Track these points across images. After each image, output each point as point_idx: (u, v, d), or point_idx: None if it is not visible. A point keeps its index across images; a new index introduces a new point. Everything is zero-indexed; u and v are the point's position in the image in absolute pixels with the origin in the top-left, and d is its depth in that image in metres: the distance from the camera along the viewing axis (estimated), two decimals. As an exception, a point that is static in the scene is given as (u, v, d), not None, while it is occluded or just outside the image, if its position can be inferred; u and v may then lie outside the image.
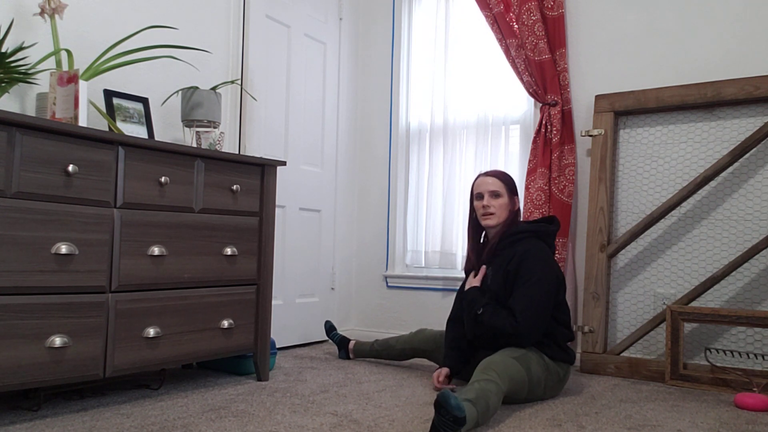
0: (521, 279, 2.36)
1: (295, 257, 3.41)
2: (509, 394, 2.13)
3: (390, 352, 2.94)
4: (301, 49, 3.47)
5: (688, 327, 2.84)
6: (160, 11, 2.74)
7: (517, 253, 2.40)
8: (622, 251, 3.02)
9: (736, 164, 2.81)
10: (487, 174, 2.55)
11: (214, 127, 2.59)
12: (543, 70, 3.16)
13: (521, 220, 2.60)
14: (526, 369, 2.19)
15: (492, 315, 2.34)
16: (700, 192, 2.87)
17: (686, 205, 2.90)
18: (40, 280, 1.84)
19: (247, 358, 2.64)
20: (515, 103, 3.43)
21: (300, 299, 3.45)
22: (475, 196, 2.56)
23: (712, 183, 2.86)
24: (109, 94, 2.40)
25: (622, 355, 2.87)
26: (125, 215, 2.07)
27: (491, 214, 2.49)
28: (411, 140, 3.79)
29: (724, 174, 2.84)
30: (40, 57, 2.29)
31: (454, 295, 3.50)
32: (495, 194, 2.50)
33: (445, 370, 2.50)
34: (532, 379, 2.21)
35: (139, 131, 2.46)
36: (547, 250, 2.43)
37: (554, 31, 3.17)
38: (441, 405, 1.72)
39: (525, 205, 3.15)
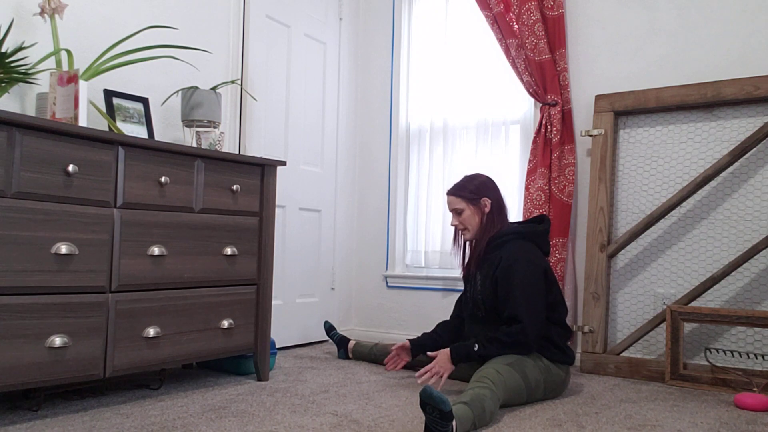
0: (510, 285, 2.33)
1: (295, 257, 3.41)
2: (507, 401, 2.13)
3: None
4: (301, 49, 3.47)
5: (688, 327, 2.84)
6: (160, 11, 2.74)
7: (502, 258, 2.39)
8: (622, 251, 3.02)
9: (736, 164, 2.81)
10: (447, 192, 2.56)
11: (214, 127, 2.59)
12: (543, 70, 3.16)
13: (508, 219, 2.55)
14: (522, 374, 2.18)
15: (491, 342, 2.29)
16: (700, 192, 2.87)
17: (686, 205, 2.90)
18: (40, 280, 1.84)
19: (247, 358, 2.64)
20: (515, 103, 3.43)
21: (300, 299, 3.45)
22: None
23: (712, 183, 2.86)
24: (109, 94, 2.40)
25: (622, 355, 2.87)
26: (125, 215, 2.07)
27: (462, 230, 2.54)
28: (411, 140, 3.79)
29: (724, 174, 2.84)
30: (40, 57, 2.29)
31: (453, 296, 3.51)
32: (456, 212, 2.52)
33: (405, 343, 2.66)
34: (529, 384, 2.20)
35: (139, 131, 2.46)
36: (531, 250, 2.40)
37: (554, 31, 3.17)
38: (425, 402, 1.71)
39: (525, 205, 3.15)
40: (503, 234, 2.45)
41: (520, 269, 2.33)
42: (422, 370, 2.35)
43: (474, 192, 2.50)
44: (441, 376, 2.33)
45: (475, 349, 2.30)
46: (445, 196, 2.57)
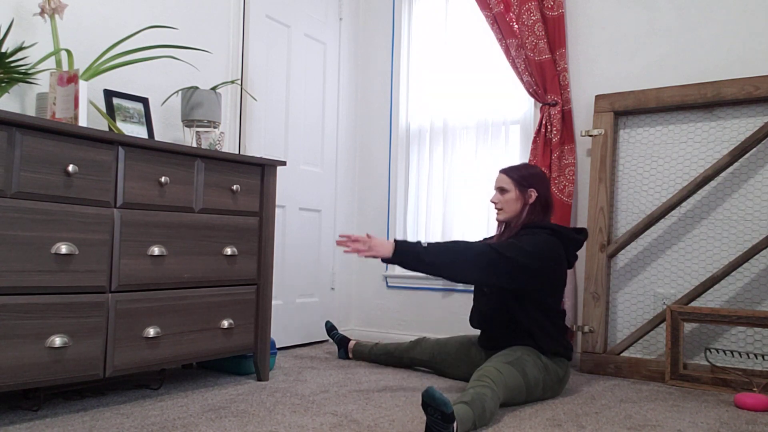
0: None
1: (295, 257, 3.41)
2: (507, 400, 2.13)
3: (388, 359, 2.94)
4: (301, 49, 3.47)
5: (688, 327, 2.84)
6: (160, 11, 2.74)
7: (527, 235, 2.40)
8: (622, 251, 3.02)
9: (736, 164, 2.81)
10: (500, 170, 2.57)
11: (214, 127, 2.59)
12: (543, 70, 3.16)
13: (549, 219, 2.53)
14: (522, 373, 2.18)
15: (451, 246, 2.19)
16: (700, 192, 2.87)
17: (686, 205, 2.90)
18: (40, 280, 1.84)
19: (247, 358, 2.64)
20: (515, 103, 3.43)
21: (300, 299, 3.45)
22: None
23: (712, 183, 2.86)
24: (109, 94, 2.40)
25: (622, 355, 2.87)
26: (125, 215, 2.07)
27: (499, 209, 2.54)
28: (411, 140, 3.79)
29: (724, 174, 2.84)
30: (40, 57, 2.29)
31: (454, 296, 3.51)
32: (501, 190, 2.52)
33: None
34: (528, 382, 2.20)
35: (139, 131, 2.46)
36: (558, 245, 2.38)
37: (554, 31, 3.17)
38: (427, 404, 1.71)
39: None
40: (538, 225, 2.44)
41: (532, 241, 2.31)
42: (348, 236, 2.19)
43: (525, 178, 2.49)
44: (360, 252, 2.16)
45: (424, 245, 2.18)
46: (498, 174, 2.55)
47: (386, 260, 2.19)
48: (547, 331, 2.36)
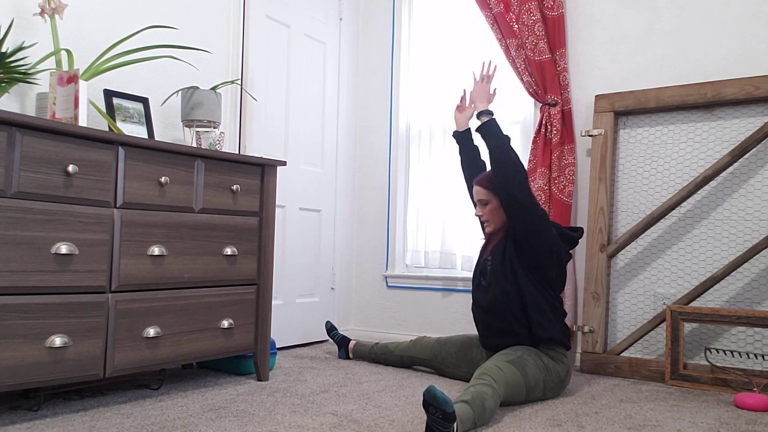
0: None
1: (295, 257, 3.41)
2: (507, 398, 2.13)
3: (388, 358, 2.94)
4: (301, 49, 3.47)
5: (688, 327, 2.84)
6: (160, 11, 2.74)
7: None
8: (622, 251, 3.02)
9: (736, 164, 2.81)
10: (474, 182, 2.55)
11: (214, 127, 2.59)
12: (543, 70, 3.16)
13: None
14: (522, 372, 2.19)
15: (513, 153, 2.42)
16: (700, 192, 2.87)
17: (686, 205, 2.90)
18: (40, 280, 1.84)
19: (247, 358, 2.64)
20: (515, 103, 3.43)
21: (300, 299, 3.45)
22: None
23: (712, 183, 2.86)
24: (109, 94, 2.41)
25: (622, 355, 2.87)
26: (125, 215, 2.07)
27: (485, 221, 2.53)
28: (411, 140, 3.79)
29: (724, 174, 2.84)
30: (40, 57, 2.29)
31: (454, 296, 3.51)
32: (482, 203, 2.51)
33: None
34: (529, 382, 2.20)
35: (139, 131, 2.46)
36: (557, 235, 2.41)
37: (554, 31, 3.17)
38: (429, 403, 1.71)
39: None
40: None
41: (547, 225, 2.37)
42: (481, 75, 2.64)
43: None
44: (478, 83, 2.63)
45: (507, 136, 2.46)
46: (474, 186, 2.53)
47: (481, 113, 2.54)
48: (546, 315, 2.35)
